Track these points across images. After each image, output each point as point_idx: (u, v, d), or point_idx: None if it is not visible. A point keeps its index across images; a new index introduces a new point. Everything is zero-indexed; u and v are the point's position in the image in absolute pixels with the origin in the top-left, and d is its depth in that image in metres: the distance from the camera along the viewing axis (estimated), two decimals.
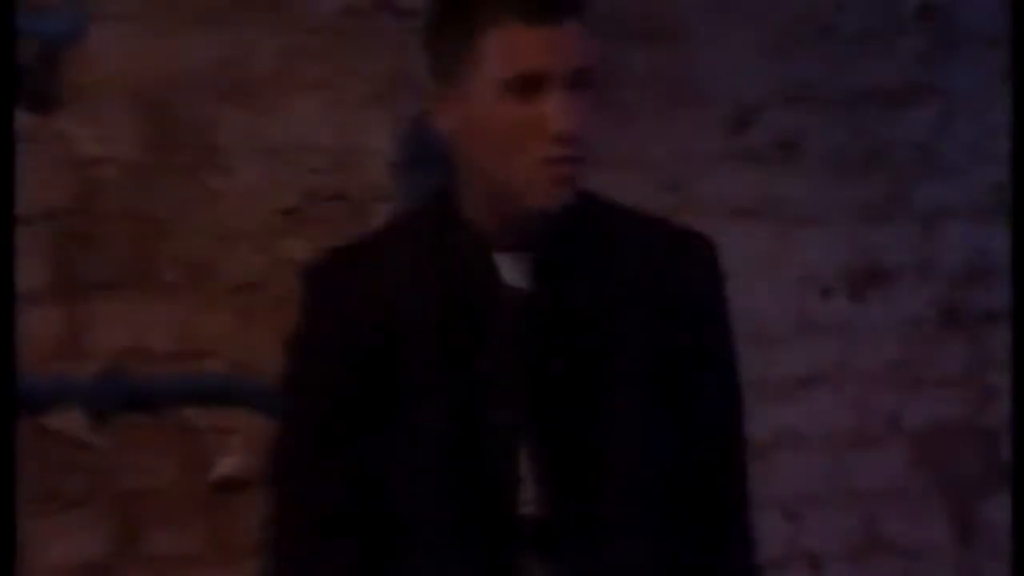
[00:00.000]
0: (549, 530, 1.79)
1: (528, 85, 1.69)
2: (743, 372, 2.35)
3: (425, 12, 1.78)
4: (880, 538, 2.49)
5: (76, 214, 1.99)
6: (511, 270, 1.80)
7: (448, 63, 1.74)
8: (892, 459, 2.51)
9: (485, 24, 1.69)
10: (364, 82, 2.11)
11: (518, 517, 1.78)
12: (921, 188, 2.49)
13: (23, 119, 1.86)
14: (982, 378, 2.52)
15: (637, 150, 2.31)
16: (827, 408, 2.48)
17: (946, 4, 2.51)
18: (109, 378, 1.99)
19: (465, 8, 1.71)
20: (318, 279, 1.83)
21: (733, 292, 2.34)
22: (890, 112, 2.48)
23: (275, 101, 2.07)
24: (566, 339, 1.81)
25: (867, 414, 2.50)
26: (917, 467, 2.52)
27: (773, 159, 2.41)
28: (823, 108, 2.43)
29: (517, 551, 1.79)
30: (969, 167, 2.52)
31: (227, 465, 2.06)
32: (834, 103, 2.44)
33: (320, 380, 1.79)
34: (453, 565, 1.79)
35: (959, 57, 2.52)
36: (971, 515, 2.52)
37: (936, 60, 2.51)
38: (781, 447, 2.45)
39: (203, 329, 2.05)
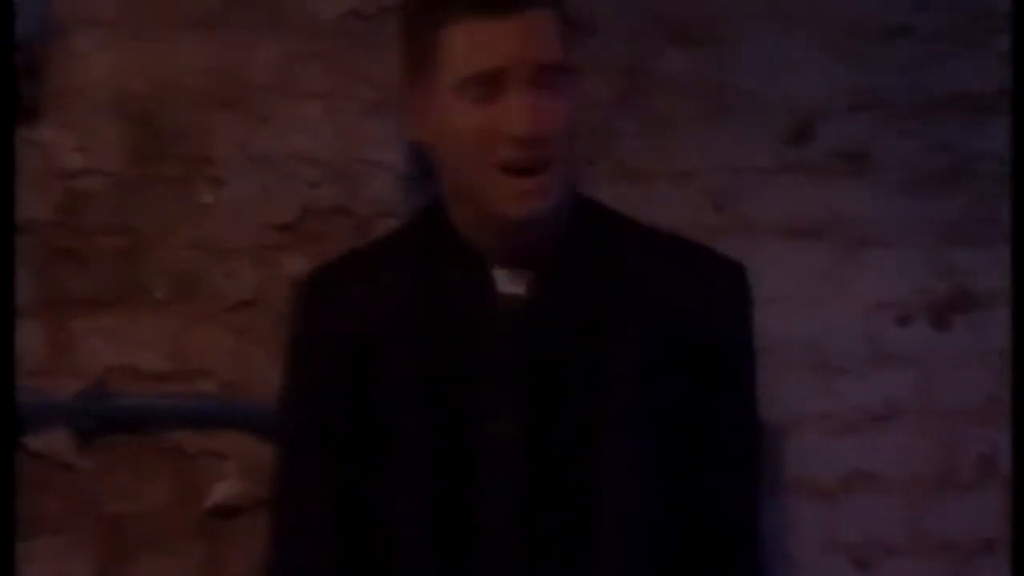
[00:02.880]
0: (537, 564, 1.79)
1: (487, 85, 1.71)
2: (800, 405, 2.33)
3: (398, 16, 1.82)
4: None
5: (59, 227, 2.09)
6: (508, 284, 1.81)
7: (417, 66, 1.77)
8: (985, 505, 2.42)
9: (446, 20, 1.72)
10: (368, 90, 2.16)
11: (507, 545, 1.78)
12: (1013, 205, 2.41)
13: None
14: None
15: (677, 163, 2.31)
16: (906, 447, 2.40)
17: None
18: (95, 397, 2.07)
19: (431, 6, 1.74)
20: (309, 292, 1.89)
21: (792, 319, 2.33)
22: (976, 120, 2.40)
23: (272, 109, 2.14)
24: (565, 357, 1.81)
25: (954, 454, 2.42)
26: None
27: (836, 173, 2.36)
28: (896, 116, 2.38)
29: None
30: None
31: (221, 491, 2.12)
32: (910, 110, 2.38)
33: (309, 396, 1.86)
34: None
35: None
36: None
37: None
38: (852, 489, 2.38)
39: (195, 348, 2.12)
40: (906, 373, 2.40)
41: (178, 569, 2.11)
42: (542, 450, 1.79)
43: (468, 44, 1.70)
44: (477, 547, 1.79)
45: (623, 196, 2.27)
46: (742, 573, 1.90)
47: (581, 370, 1.81)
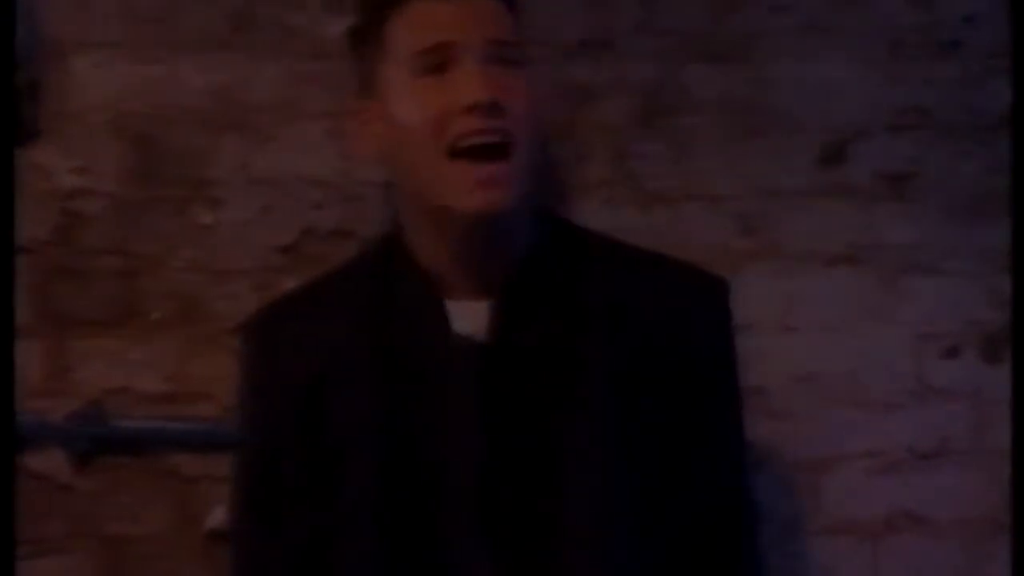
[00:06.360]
0: None
1: (438, 60, 1.83)
2: (841, 442, 2.39)
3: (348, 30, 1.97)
4: None
5: (57, 248, 2.27)
6: (465, 319, 1.88)
7: (365, 69, 1.91)
8: None
9: (391, 10, 1.87)
10: None
11: None
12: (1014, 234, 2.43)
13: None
14: None
15: (705, 186, 2.39)
16: (957, 488, 2.44)
17: None
18: (92, 419, 2.24)
19: (374, 4, 1.88)
20: (253, 336, 2.00)
21: (830, 351, 2.39)
22: None
23: (273, 131, 2.30)
24: (525, 399, 1.86)
25: (1009, 496, 2.45)
26: None
27: (877, 196, 2.43)
28: (942, 136, 2.44)
29: None
30: None
31: (220, 515, 2.26)
32: (956, 130, 2.44)
33: (255, 443, 1.97)
34: None
35: None
36: None
37: None
38: (898, 532, 2.43)
39: (194, 370, 2.28)
40: (955, 409, 2.44)
41: None
42: (502, 497, 1.84)
43: (417, 23, 1.84)
44: None
45: (647, 221, 2.38)
46: None
47: (543, 412, 1.85)
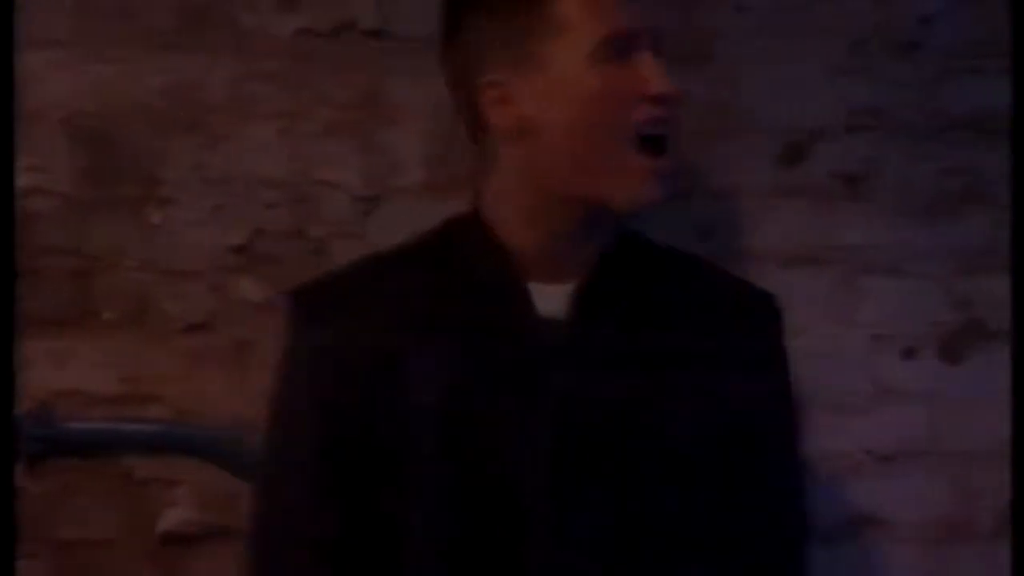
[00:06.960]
0: None
1: (620, 47, 1.85)
2: (806, 445, 2.39)
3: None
4: None
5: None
6: (548, 301, 1.88)
7: (517, 43, 1.85)
8: (1005, 555, 2.45)
9: None
10: (324, 110, 2.31)
11: None
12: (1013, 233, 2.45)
13: None
14: None
15: None
16: (917, 491, 2.45)
17: None
18: (44, 420, 2.24)
19: None
20: (307, 309, 1.90)
21: (790, 352, 2.40)
22: (990, 142, 2.46)
23: (225, 130, 2.31)
24: (601, 385, 1.86)
25: (970, 500, 2.46)
26: None
27: (836, 196, 2.44)
28: (901, 136, 2.45)
29: None
30: None
31: (172, 518, 2.27)
32: (916, 131, 2.45)
33: (301, 430, 1.87)
34: None
35: None
36: None
37: None
38: (857, 535, 2.44)
39: (146, 372, 2.28)
40: (914, 411, 2.45)
41: None
42: (572, 493, 1.84)
43: (600, 6, 1.85)
44: None
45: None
46: None
47: (615, 402, 1.86)
